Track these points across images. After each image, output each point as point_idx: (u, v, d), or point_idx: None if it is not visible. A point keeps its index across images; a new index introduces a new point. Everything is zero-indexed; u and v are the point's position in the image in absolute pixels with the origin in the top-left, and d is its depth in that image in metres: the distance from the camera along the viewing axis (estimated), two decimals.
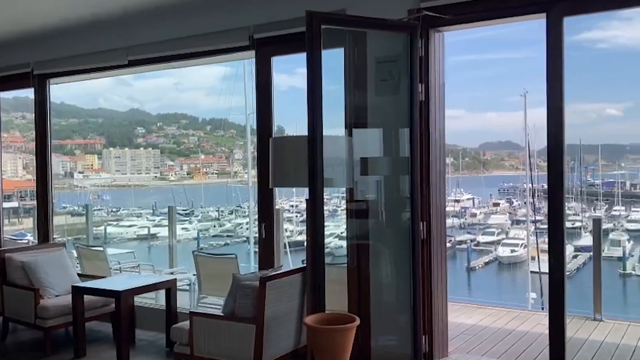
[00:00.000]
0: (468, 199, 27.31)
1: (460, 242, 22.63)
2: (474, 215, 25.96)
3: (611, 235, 21.52)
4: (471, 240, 22.67)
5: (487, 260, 21.55)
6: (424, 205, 4.23)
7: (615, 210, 24.84)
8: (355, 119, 4.42)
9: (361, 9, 4.23)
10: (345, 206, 4.59)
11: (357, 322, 3.27)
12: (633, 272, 19.38)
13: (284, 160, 3.83)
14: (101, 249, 6.87)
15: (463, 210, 26.06)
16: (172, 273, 6.72)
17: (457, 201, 26.17)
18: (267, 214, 4.91)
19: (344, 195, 4.65)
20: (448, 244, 22.07)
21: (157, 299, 6.08)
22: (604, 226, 22.93)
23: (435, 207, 4.35)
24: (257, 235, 4.97)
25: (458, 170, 29.93)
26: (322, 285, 3.71)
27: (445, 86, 4.47)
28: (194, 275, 6.30)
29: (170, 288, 5.01)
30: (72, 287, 4.86)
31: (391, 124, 4.54)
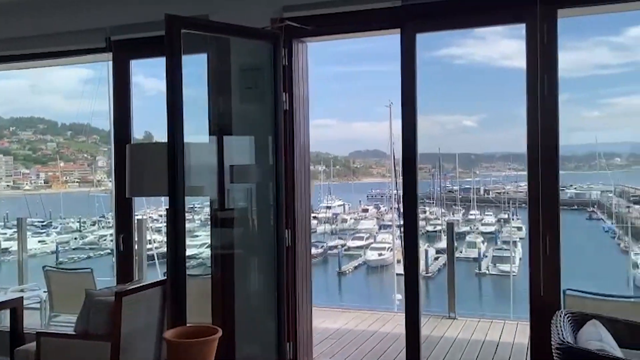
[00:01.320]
0: (339, 205, 28.08)
1: (332, 248, 23.19)
2: (344, 220, 26.73)
3: (468, 238, 23.15)
4: (342, 245, 23.32)
5: (356, 265, 22.26)
6: (289, 213, 4.26)
7: (471, 214, 26.74)
8: (220, 126, 4.36)
9: (225, 16, 4.18)
10: (216, 215, 4.50)
11: (219, 333, 3.19)
12: (487, 272, 20.98)
13: (143, 168, 3.67)
14: None
15: (334, 216, 26.76)
16: (21, 291, 6.16)
17: (329, 207, 26.83)
18: (125, 224, 4.68)
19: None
20: (320, 250, 22.57)
21: (2, 320, 5.54)
22: (462, 229, 24.69)
23: (300, 214, 4.40)
24: None
25: (330, 178, 30.70)
26: (182, 298, 3.60)
27: (309, 95, 4.55)
28: (45, 292, 5.83)
29: (15, 307, 4.58)
30: None
31: (258, 132, 4.53)
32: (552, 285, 3.73)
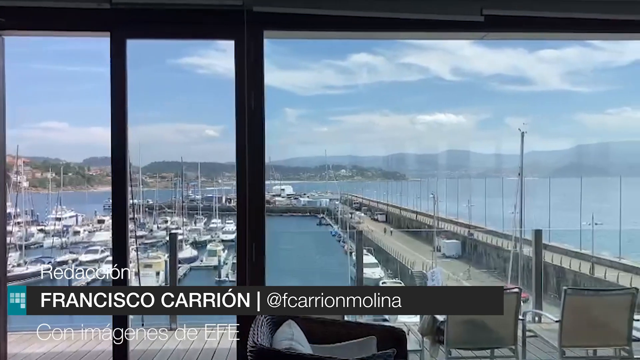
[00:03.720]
0: (71, 217, 25.92)
1: (61, 263, 21.25)
2: (77, 233, 24.75)
3: (209, 246, 23.42)
4: (73, 260, 21.54)
5: (89, 280, 20.77)
6: None
7: (213, 222, 27.14)
8: None
9: None
10: None
11: None
12: (227, 279, 21.46)
13: None
14: None
15: (65, 228, 24.59)
16: None
17: (59, 219, 24.58)
18: None
19: None
20: (47, 265, 20.49)
21: None
22: (203, 238, 24.91)
23: None
24: None
25: (60, 186, 28.16)
26: None
27: (5, 95, 4.08)
28: None
29: None
30: None
31: None
32: None
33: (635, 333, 4.37)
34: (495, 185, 25.41)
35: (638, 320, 4.61)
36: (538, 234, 6.23)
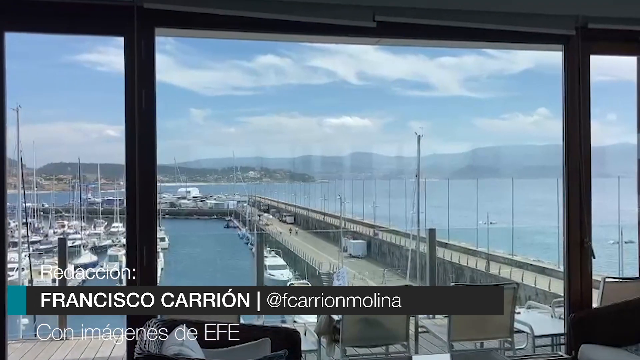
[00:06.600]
0: None
1: None
2: None
3: (110, 251, 22.47)
4: None
5: None
6: None
7: (114, 226, 26.04)
8: None
9: None
10: None
11: None
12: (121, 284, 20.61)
13: None
14: None
15: None
16: None
17: None
18: None
19: None
20: None
21: None
22: (103, 243, 23.89)
23: None
24: None
25: None
26: None
27: None
28: None
29: None
30: None
31: None
32: None
33: (516, 325, 4.66)
34: (399, 187, 26.25)
35: (519, 313, 4.93)
36: (432, 232, 6.49)
